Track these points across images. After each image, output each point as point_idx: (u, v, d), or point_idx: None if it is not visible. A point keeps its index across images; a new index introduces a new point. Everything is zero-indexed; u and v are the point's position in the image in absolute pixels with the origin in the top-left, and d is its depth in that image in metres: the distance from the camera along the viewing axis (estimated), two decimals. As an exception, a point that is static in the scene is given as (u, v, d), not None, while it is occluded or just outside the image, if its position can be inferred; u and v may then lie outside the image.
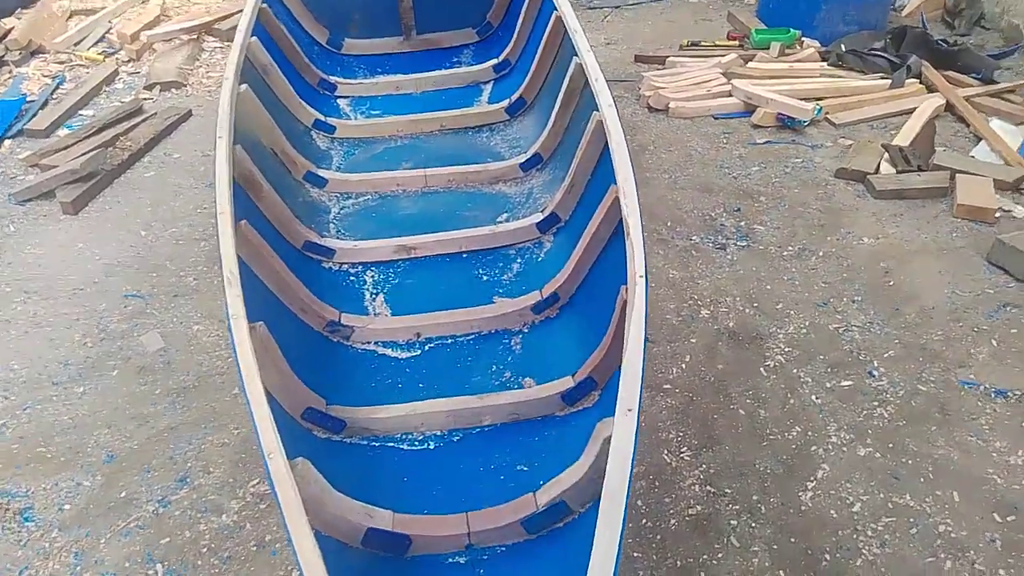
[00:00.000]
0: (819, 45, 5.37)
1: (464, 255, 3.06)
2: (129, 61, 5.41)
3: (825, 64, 5.15)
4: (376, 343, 2.69)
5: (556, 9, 3.44)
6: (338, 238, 3.08)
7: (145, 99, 4.90)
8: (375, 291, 2.87)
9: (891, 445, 2.54)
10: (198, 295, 3.30)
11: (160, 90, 5.03)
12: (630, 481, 1.67)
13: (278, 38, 3.84)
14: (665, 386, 2.81)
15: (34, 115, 4.61)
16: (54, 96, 4.90)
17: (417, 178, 3.47)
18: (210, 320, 3.16)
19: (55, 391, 2.84)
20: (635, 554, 2.26)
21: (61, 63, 5.33)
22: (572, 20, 3.19)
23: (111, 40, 5.63)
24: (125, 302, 3.26)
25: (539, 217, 3.09)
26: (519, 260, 3.03)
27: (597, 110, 2.61)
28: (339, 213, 3.30)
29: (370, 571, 1.93)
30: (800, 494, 2.41)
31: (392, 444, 2.33)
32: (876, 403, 2.70)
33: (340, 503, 1.92)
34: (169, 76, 5.08)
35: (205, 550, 2.31)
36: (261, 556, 2.29)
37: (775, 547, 2.27)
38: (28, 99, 4.82)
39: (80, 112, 4.75)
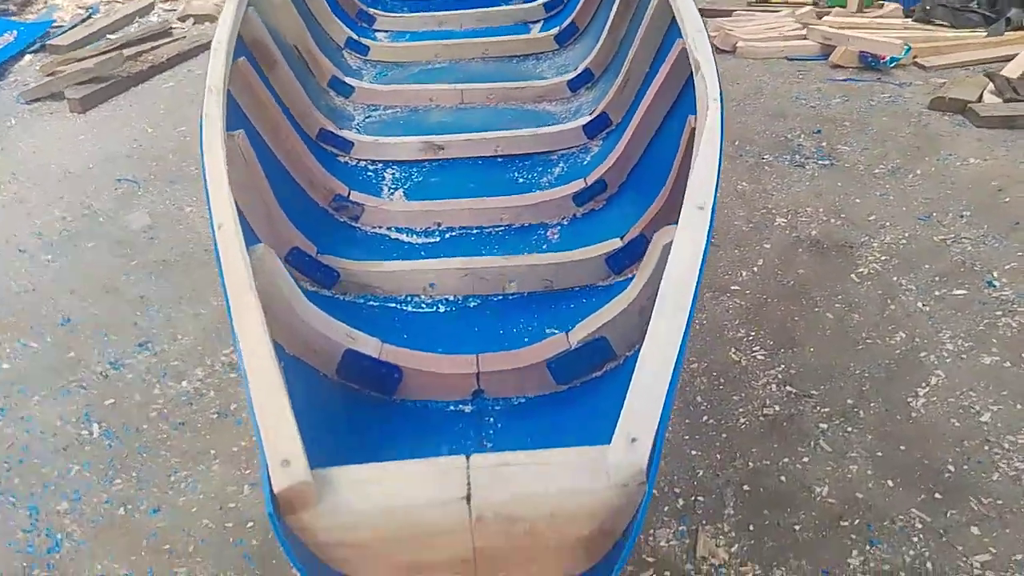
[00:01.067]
0: (902, 6, 4.89)
1: (500, 159, 2.61)
2: (166, 0, 5.21)
3: (910, 20, 4.66)
4: (389, 228, 2.24)
5: None
6: (357, 132, 2.67)
7: (176, 28, 4.65)
8: (394, 187, 2.43)
9: (1025, 355, 1.99)
10: (198, 183, 2.92)
11: (194, 22, 4.79)
12: (693, 305, 1.18)
13: None
14: (732, 287, 2.30)
15: (60, 35, 4.38)
16: (84, 23, 4.68)
17: (452, 92, 3.06)
18: (204, 203, 2.77)
19: (20, 258, 2.48)
20: (692, 452, 1.75)
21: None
22: None
23: (152, -17, 5.47)
24: (117, 186, 2.90)
25: (586, 119, 2.64)
26: (562, 166, 2.57)
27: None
28: (363, 121, 2.91)
29: (346, 411, 1.46)
30: (909, 400, 1.87)
31: (393, 305, 1.87)
32: (1000, 312, 2.15)
33: (312, 315, 1.47)
34: (205, 10, 4.85)
35: (155, 414, 1.87)
36: (222, 424, 1.85)
37: (879, 455, 1.73)
38: (56, 24, 4.61)
39: (108, 36, 4.51)
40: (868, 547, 1.53)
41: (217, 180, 1.43)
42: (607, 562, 0.90)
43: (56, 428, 1.83)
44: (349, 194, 2.30)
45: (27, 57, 4.16)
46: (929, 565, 1.49)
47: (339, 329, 1.51)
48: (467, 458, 0.86)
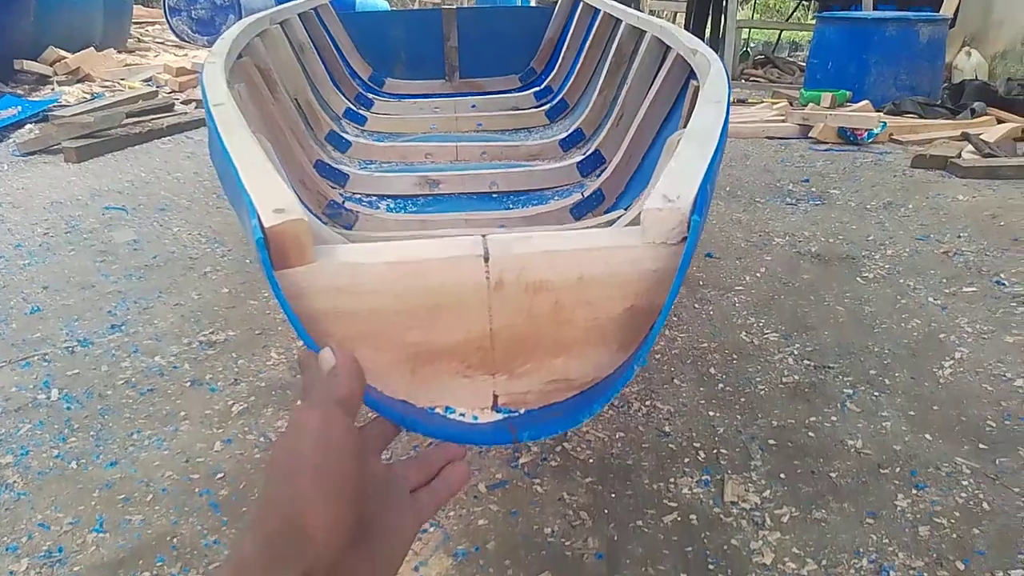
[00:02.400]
0: (872, 103, 5.17)
1: (495, 195, 2.63)
2: (172, 92, 5.41)
3: (882, 114, 4.91)
4: (383, 234, 2.20)
5: (601, 11, 3.29)
6: (354, 167, 2.68)
7: (179, 108, 4.79)
8: (389, 212, 2.42)
9: (1049, 335, 1.90)
10: (188, 212, 2.88)
11: (196, 106, 4.94)
12: (728, 98, 1.15)
13: (321, 46, 3.73)
14: (737, 287, 2.23)
15: (63, 109, 4.49)
16: (88, 103, 4.82)
17: (447, 149, 3.14)
18: (196, 226, 2.71)
19: (-5, 262, 2.37)
20: (711, 413, 1.60)
21: (104, 87, 5.35)
22: (621, 8, 3.01)
23: (157, 79, 5.69)
24: (105, 213, 2.85)
25: (580, 157, 2.69)
26: (557, 198, 2.59)
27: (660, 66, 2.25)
28: (358, 172, 2.94)
29: None
30: (935, 370, 1.76)
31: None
32: (1015, 304, 2.08)
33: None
34: (207, 97, 5.01)
35: (121, 383, 1.71)
36: (195, 392, 1.68)
37: (911, 414, 1.59)
38: (60, 103, 4.74)
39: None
40: (915, 491, 1.36)
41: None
42: (639, 352, 0.75)
43: (11, 393, 1.66)
44: (344, 202, 2.27)
45: (28, 125, 4.22)
46: (985, 505, 1.32)
47: (337, 237, 1.42)
48: (484, 235, 0.74)
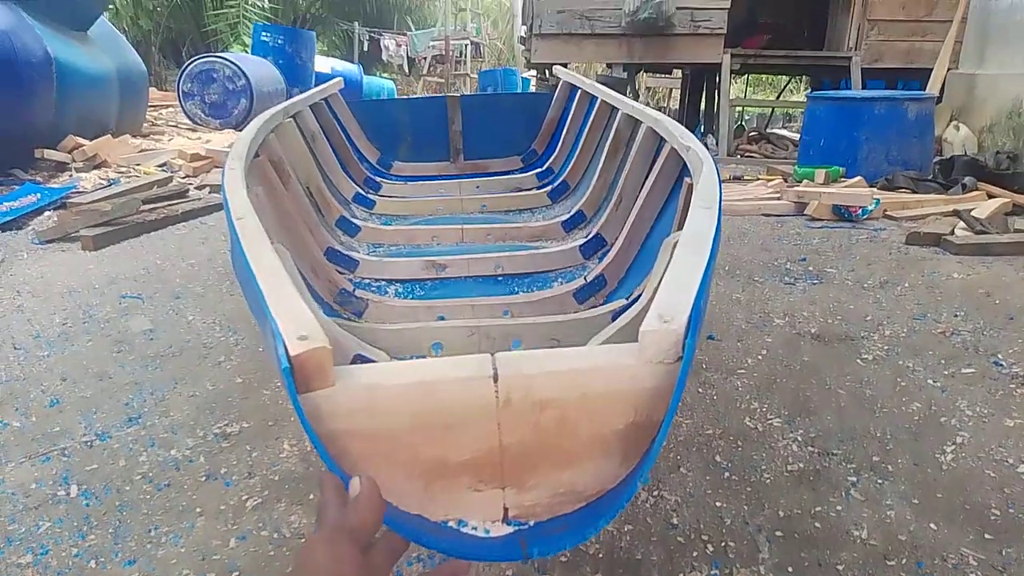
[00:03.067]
0: (865, 179, 5.31)
1: (499, 278, 2.73)
2: (186, 177, 5.59)
3: (875, 189, 5.04)
4: (392, 325, 2.28)
5: (598, 99, 3.44)
6: (364, 253, 2.78)
7: (193, 194, 4.94)
8: (397, 297, 2.51)
9: (1048, 418, 1.94)
10: (202, 299, 2.96)
11: (210, 191, 5.10)
12: (720, 204, 1.23)
13: (330, 131, 3.90)
14: (739, 370, 2.28)
15: (80, 196, 4.64)
16: (105, 189, 4.98)
17: (454, 231, 3.25)
18: (210, 313, 2.78)
19: (14, 354, 2.43)
20: (718, 503, 1.63)
21: (120, 173, 5.53)
22: (617, 96, 3.15)
23: (172, 163, 5.88)
24: (121, 301, 2.93)
25: (582, 241, 2.79)
26: (560, 281, 2.68)
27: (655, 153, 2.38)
28: (368, 253, 3.05)
29: None
30: (938, 455, 1.79)
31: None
32: (1015, 385, 2.13)
33: (324, 319, 1.45)
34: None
35: (139, 477, 1.74)
36: (210, 486, 1.71)
37: (915, 501, 1.62)
38: (78, 189, 4.90)
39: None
40: (922, 583, 1.38)
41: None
42: (641, 467, 0.80)
43: (30, 490, 1.69)
44: (354, 291, 2.34)
45: (47, 212, 4.36)
46: (993, 597, 1.34)
47: (350, 339, 1.48)
48: (492, 354, 0.80)
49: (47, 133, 5.48)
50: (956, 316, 2.65)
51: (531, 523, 0.80)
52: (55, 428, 1.96)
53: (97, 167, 5.64)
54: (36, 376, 2.27)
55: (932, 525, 1.54)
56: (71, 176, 5.34)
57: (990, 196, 4.46)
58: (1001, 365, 2.25)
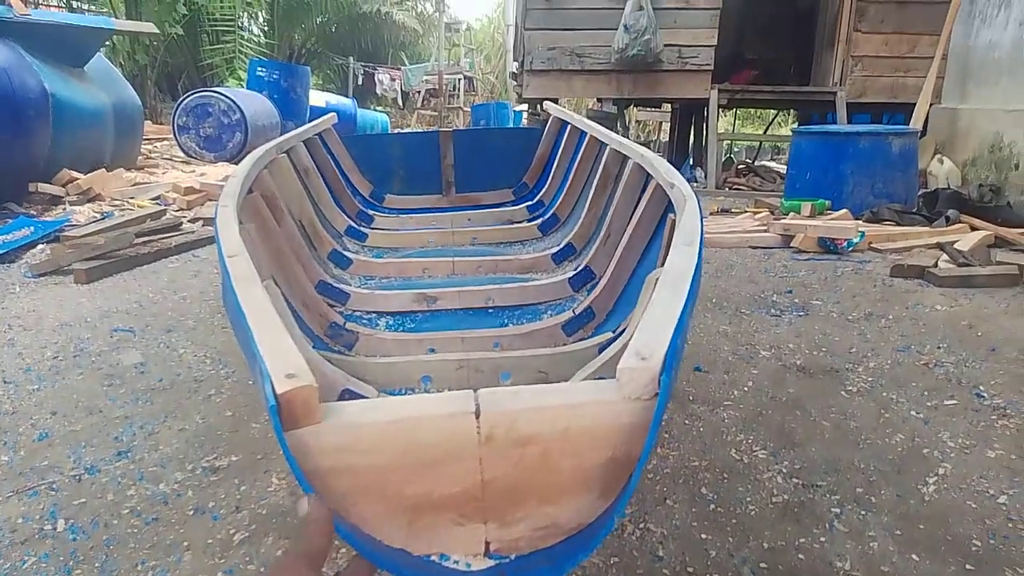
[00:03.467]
0: (851, 212, 5.39)
1: (490, 310, 2.76)
2: (180, 210, 5.62)
3: (860, 222, 5.12)
4: (383, 356, 2.30)
5: (587, 134, 3.51)
6: (355, 286, 2.81)
7: (186, 227, 4.98)
8: (387, 330, 2.53)
9: (1029, 449, 1.97)
10: (194, 332, 2.98)
11: (203, 224, 5.14)
12: (701, 243, 1.26)
13: (323, 166, 3.95)
14: (726, 402, 2.30)
15: (74, 229, 4.66)
16: (98, 223, 5.00)
17: (445, 264, 3.29)
18: (201, 347, 2.80)
19: (3, 388, 2.43)
20: (703, 536, 1.64)
21: (114, 207, 5.56)
22: (606, 132, 3.20)
23: (165, 197, 5.92)
24: (113, 335, 2.94)
25: (571, 273, 2.84)
26: (550, 313, 2.72)
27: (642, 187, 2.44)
28: (359, 286, 3.08)
29: None
30: (920, 488, 1.81)
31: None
32: (996, 416, 2.16)
33: (312, 355, 1.47)
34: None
35: (127, 511, 1.75)
36: (198, 520, 1.72)
37: (898, 533, 1.64)
38: (71, 223, 4.93)
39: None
40: (904, 614, 1.39)
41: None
42: (619, 502, 0.82)
43: (17, 525, 1.69)
44: (345, 324, 2.36)
45: (40, 246, 4.38)
46: (974, 629, 1.35)
47: (338, 373, 1.50)
48: (475, 391, 0.83)
49: (42, 167, 5.53)
50: (939, 348, 2.69)
51: (512, 557, 0.82)
52: (43, 462, 1.97)
53: (91, 200, 5.68)
54: (26, 410, 2.27)
55: (914, 556, 1.56)
56: (65, 209, 5.38)
57: (973, 229, 4.54)
58: (983, 396, 2.28)
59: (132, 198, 5.82)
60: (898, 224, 4.92)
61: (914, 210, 5.18)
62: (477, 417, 0.78)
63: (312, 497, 0.67)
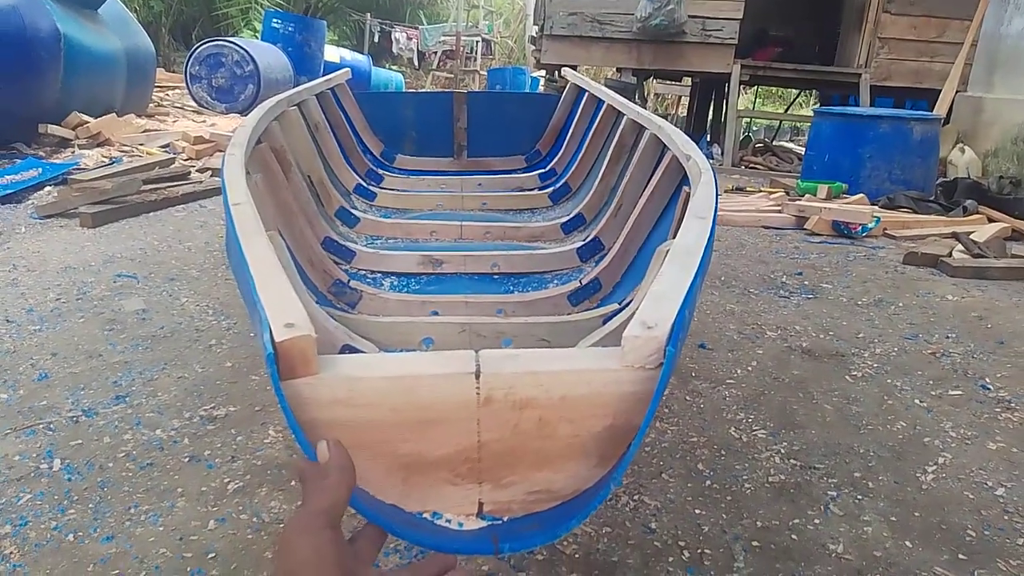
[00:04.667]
0: (867, 197, 5.31)
1: (496, 276, 2.73)
2: (189, 160, 5.59)
3: (877, 207, 5.05)
4: (385, 317, 2.28)
5: (604, 103, 3.43)
6: (361, 245, 2.78)
7: (195, 177, 4.95)
8: (392, 290, 2.50)
9: (1031, 443, 1.95)
10: (197, 282, 2.97)
11: (212, 175, 5.10)
12: (715, 214, 1.23)
13: (336, 124, 3.88)
14: (728, 380, 2.29)
15: (82, 173, 4.64)
16: (107, 167, 4.98)
17: (452, 228, 3.25)
18: (204, 297, 2.79)
19: (6, 327, 2.43)
20: (697, 511, 1.63)
21: (123, 152, 5.53)
22: (624, 102, 3.13)
23: (175, 145, 5.88)
24: (116, 280, 2.93)
25: (580, 244, 2.79)
26: (556, 283, 2.68)
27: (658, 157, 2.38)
28: (366, 245, 3.05)
29: None
30: (919, 475, 1.80)
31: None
32: (999, 409, 2.14)
33: (315, 308, 1.46)
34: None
35: (122, 455, 1.75)
36: (192, 468, 1.72)
37: (893, 519, 1.63)
38: (80, 166, 4.90)
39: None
40: (894, 600, 1.39)
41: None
42: (616, 470, 0.81)
43: (14, 462, 1.70)
44: (349, 282, 2.34)
45: (47, 188, 4.36)
46: (963, 618, 1.34)
47: (339, 329, 1.49)
48: (476, 352, 0.81)
49: (52, 109, 5.48)
50: (948, 338, 2.65)
51: (505, 519, 0.81)
52: (42, 402, 1.97)
53: (100, 145, 5.64)
54: (26, 350, 2.27)
55: (908, 543, 1.55)
56: (73, 153, 5.35)
57: (990, 220, 4.47)
58: (988, 389, 2.26)
59: (141, 145, 5.78)
60: (914, 212, 4.85)
61: (931, 198, 5.10)
62: (477, 378, 0.76)
63: (331, 443, 0.64)
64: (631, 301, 1.87)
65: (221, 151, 5.74)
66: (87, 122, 5.63)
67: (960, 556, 1.51)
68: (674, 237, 1.57)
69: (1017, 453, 1.90)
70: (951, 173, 6.01)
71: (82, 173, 4.55)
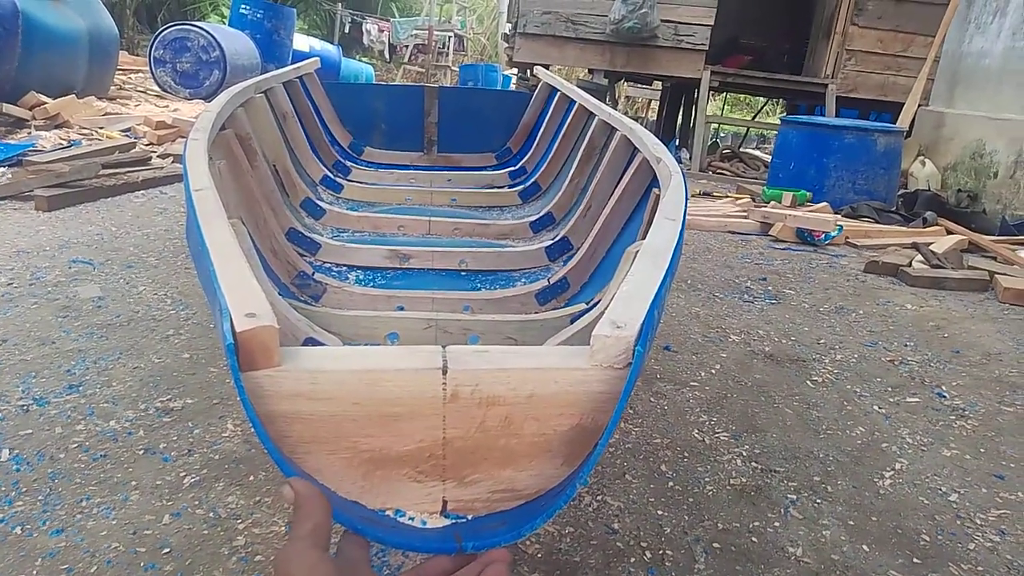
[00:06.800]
0: (831, 206, 5.41)
1: (463, 273, 2.71)
2: (150, 145, 5.45)
3: (840, 216, 5.14)
4: (350, 310, 2.25)
5: (576, 103, 3.43)
6: (327, 237, 2.74)
7: (156, 162, 4.83)
8: (357, 284, 2.47)
9: (983, 450, 2.00)
10: (155, 270, 2.89)
11: (173, 161, 4.99)
12: (684, 214, 1.23)
13: (303, 113, 3.82)
14: (692, 383, 2.30)
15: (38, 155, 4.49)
16: (65, 150, 4.83)
17: (421, 223, 3.22)
18: (162, 286, 2.72)
19: (-47, 311, 2.34)
20: (659, 512, 1.64)
21: (82, 135, 5.37)
22: (595, 103, 3.13)
23: (136, 130, 5.74)
24: (71, 266, 2.84)
25: (548, 243, 2.79)
26: (524, 281, 2.67)
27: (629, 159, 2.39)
28: (331, 238, 3.00)
29: None
30: (876, 480, 1.83)
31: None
32: (954, 417, 2.18)
33: (277, 299, 1.42)
34: (185, 151, 5.07)
35: (74, 446, 1.69)
36: (147, 460, 1.67)
37: (851, 523, 1.65)
38: (36, 148, 4.75)
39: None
40: (850, 603, 1.41)
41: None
42: (582, 470, 0.79)
43: (-43, 451, 1.63)
44: (313, 274, 2.30)
45: (1, 169, 4.22)
46: (916, 621, 1.37)
47: (302, 321, 1.46)
48: (444, 347, 0.79)
49: (8, 88, 5.31)
50: (906, 346, 2.71)
51: (469, 517, 0.80)
52: (-11, 390, 1.90)
53: (58, 127, 5.47)
54: (-26, 336, 2.19)
55: (865, 547, 1.57)
56: (30, 134, 5.18)
57: (948, 232, 4.59)
58: (944, 396, 2.31)
59: (101, 128, 5.62)
60: (876, 222, 4.96)
61: (893, 209, 5.22)
62: (444, 374, 0.74)
63: (292, 480, 0.65)
64: (599, 301, 1.87)
65: (183, 137, 5.62)
66: (45, 102, 5.46)
67: (915, 560, 1.54)
68: (643, 238, 1.58)
69: (970, 460, 1.95)
70: (912, 185, 6.15)
71: (38, 155, 4.41)
